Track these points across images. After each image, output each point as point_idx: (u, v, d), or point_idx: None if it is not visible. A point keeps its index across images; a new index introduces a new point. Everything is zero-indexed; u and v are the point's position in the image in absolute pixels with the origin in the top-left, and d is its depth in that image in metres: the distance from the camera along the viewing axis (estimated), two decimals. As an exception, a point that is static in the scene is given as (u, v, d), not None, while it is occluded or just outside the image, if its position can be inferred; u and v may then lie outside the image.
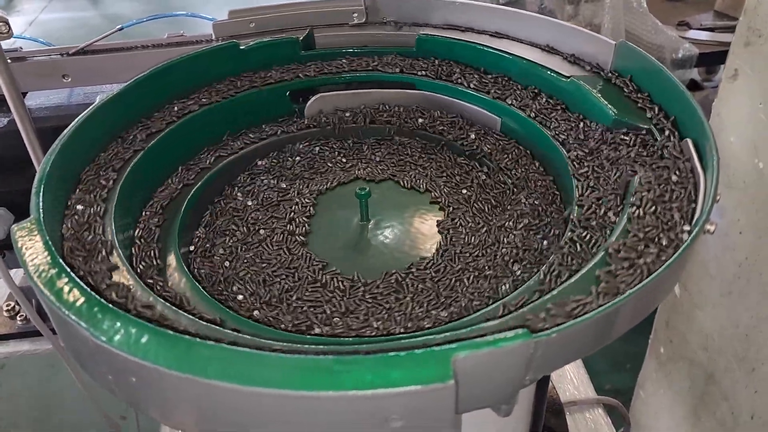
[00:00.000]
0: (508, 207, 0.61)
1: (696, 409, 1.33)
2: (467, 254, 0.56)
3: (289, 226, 0.61)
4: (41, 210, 0.48)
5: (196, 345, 0.37)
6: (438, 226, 0.61)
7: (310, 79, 0.73)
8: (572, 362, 0.40)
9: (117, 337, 0.38)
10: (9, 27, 0.67)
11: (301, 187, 0.66)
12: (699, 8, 1.98)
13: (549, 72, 0.67)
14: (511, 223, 0.59)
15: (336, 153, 0.70)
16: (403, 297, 0.53)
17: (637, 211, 0.48)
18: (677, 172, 0.51)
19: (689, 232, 0.45)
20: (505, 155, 0.66)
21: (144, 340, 0.37)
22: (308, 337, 0.48)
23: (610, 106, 0.60)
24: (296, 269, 0.56)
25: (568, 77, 0.65)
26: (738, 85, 1.04)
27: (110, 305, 0.40)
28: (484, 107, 0.70)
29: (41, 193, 0.50)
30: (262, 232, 0.60)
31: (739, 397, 1.19)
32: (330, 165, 0.69)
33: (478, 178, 0.65)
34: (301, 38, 0.76)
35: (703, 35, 1.82)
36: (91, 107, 0.60)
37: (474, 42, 0.73)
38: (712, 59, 1.79)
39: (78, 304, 0.40)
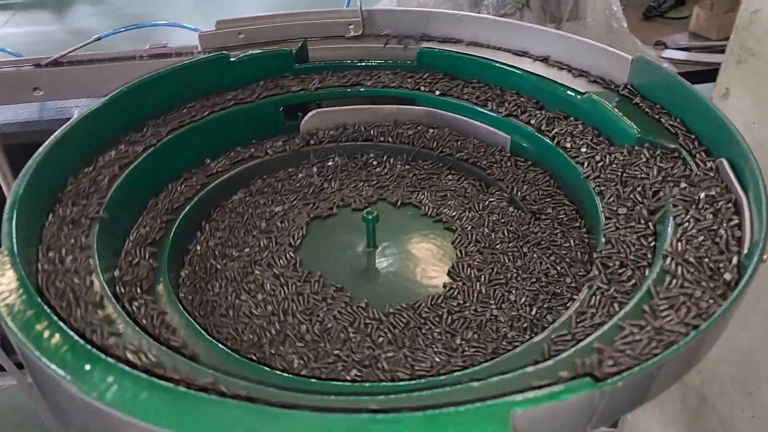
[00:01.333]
0: (526, 237, 0.56)
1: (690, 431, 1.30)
2: (485, 291, 0.52)
3: (279, 259, 0.55)
4: (14, 239, 0.42)
5: (209, 403, 0.31)
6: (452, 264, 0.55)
7: (307, 93, 0.68)
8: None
9: (110, 394, 0.32)
10: None
11: (297, 210, 0.61)
12: (675, 29, 2.00)
13: (562, 88, 0.63)
14: (529, 257, 0.54)
15: (334, 174, 0.65)
16: (428, 332, 0.48)
17: (678, 245, 0.44)
18: (714, 195, 0.48)
19: (739, 265, 0.41)
20: (522, 181, 0.62)
21: (143, 396, 0.31)
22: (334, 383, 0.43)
23: (632, 123, 0.57)
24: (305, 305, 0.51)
25: (584, 93, 0.62)
26: (730, 103, 1.02)
27: (101, 354, 0.34)
28: (493, 125, 0.66)
29: (14, 220, 0.43)
30: (257, 272, 0.54)
31: (736, 421, 1.16)
32: (326, 186, 0.64)
33: (490, 203, 0.61)
34: (294, 50, 0.71)
35: (680, 55, 1.84)
36: (68, 123, 0.54)
37: (478, 56, 0.69)
38: (689, 79, 1.80)
39: (61, 352, 0.34)
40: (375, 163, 0.66)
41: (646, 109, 0.59)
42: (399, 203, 0.62)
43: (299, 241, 0.57)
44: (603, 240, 0.49)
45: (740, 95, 1.02)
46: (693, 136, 0.54)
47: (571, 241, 0.55)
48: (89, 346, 0.34)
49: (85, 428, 0.34)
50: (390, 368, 0.44)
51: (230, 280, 0.53)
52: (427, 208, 0.61)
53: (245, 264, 0.55)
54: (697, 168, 0.51)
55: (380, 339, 0.47)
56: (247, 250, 0.56)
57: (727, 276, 0.40)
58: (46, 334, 0.35)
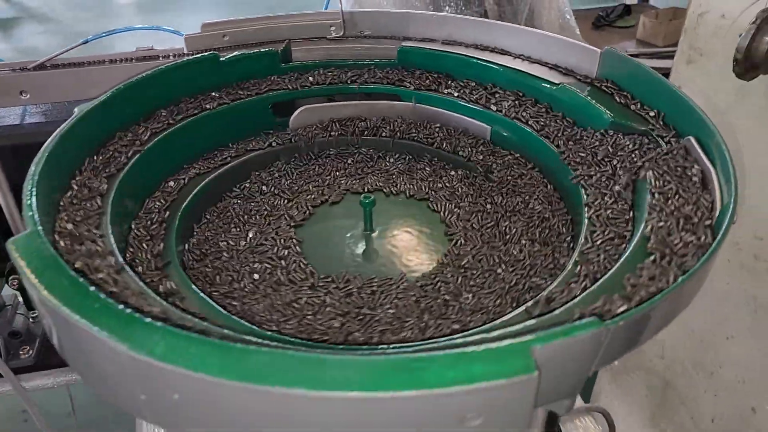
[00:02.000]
0: (512, 215, 0.60)
1: (654, 417, 1.36)
2: (482, 258, 0.55)
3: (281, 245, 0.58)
4: (37, 221, 0.44)
5: (254, 352, 0.34)
6: (447, 233, 0.59)
7: (297, 91, 0.71)
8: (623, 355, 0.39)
9: (160, 350, 0.34)
10: None
11: (295, 199, 0.63)
12: (623, 37, 2.11)
13: (538, 80, 0.68)
14: (516, 230, 0.58)
15: (326, 165, 0.68)
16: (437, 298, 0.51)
17: (659, 208, 0.49)
18: (685, 167, 0.52)
19: (712, 225, 0.46)
20: (502, 164, 0.66)
21: (193, 350, 0.34)
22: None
23: (605, 109, 0.61)
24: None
25: (558, 84, 0.66)
26: (683, 101, 1.09)
27: (145, 317, 0.36)
28: (473, 117, 0.70)
29: (34, 204, 0.45)
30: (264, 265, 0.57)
31: (700, 402, 1.23)
32: (322, 178, 0.66)
33: (475, 185, 0.65)
34: (280, 51, 0.74)
35: (628, 61, 1.93)
36: (68, 120, 0.55)
37: (457, 53, 0.73)
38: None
39: (107, 318, 0.36)
40: (365, 155, 0.69)
41: (616, 97, 0.64)
42: (390, 192, 0.65)
43: (301, 224, 0.60)
44: (587, 211, 0.53)
45: (691, 92, 1.09)
46: (661, 119, 0.59)
47: (551, 215, 0.59)
48: (131, 311, 0.36)
49: (127, 390, 0.36)
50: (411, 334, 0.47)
51: (236, 253, 0.56)
52: (416, 194, 0.64)
53: (250, 240, 0.57)
54: (666, 146, 0.56)
55: (390, 309, 0.50)
56: (251, 231, 0.59)
57: (705, 233, 0.45)
58: (89, 304, 0.37)
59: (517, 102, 0.68)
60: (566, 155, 0.60)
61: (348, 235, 0.60)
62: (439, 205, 0.62)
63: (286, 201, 0.63)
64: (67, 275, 0.39)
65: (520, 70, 0.70)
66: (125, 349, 0.34)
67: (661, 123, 0.59)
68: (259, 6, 4.62)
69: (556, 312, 0.40)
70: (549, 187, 0.62)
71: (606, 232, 0.50)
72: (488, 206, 0.61)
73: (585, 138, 0.61)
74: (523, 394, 0.33)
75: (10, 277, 0.76)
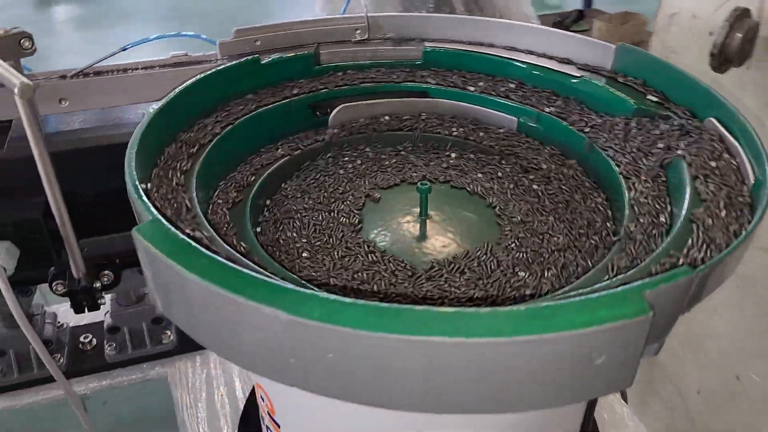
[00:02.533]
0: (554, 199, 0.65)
1: (641, 394, 1.44)
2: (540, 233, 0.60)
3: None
4: (153, 208, 0.47)
5: (407, 310, 0.38)
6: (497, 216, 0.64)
7: (334, 90, 0.75)
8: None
9: (317, 313, 0.37)
10: (32, 42, 0.62)
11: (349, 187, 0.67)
12: (581, 39, 2.21)
13: (560, 74, 0.74)
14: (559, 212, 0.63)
15: (374, 159, 0.72)
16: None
17: (699, 182, 0.55)
18: (714, 144, 0.59)
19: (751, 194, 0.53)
20: (537, 154, 0.71)
21: (350, 311, 0.37)
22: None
23: (627, 97, 0.68)
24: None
25: (580, 76, 0.73)
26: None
27: (292, 285, 0.39)
28: (501, 110, 0.75)
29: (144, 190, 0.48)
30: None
31: (686, 376, 1.31)
32: (370, 168, 0.70)
33: (516, 174, 0.70)
34: (312, 53, 0.78)
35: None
36: (145, 118, 0.58)
37: (480, 51, 0.79)
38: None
39: (257, 289, 0.39)
40: (409, 149, 0.74)
41: (634, 87, 0.70)
42: (437, 181, 0.70)
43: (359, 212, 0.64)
44: (627, 195, 0.58)
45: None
46: (680, 105, 0.66)
47: (591, 202, 0.64)
48: (284, 281, 0.40)
49: (280, 356, 0.40)
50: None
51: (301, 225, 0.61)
52: (462, 185, 0.69)
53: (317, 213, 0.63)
54: (690, 126, 0.62)
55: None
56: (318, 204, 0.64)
57: (747, 199, 0.52)
58: (239, 278, 0.40)
59: (540, 95, 0.74)
60: (598, 141, 0.66)
61: (403, 219, 0.64)
62: (486, 193, 0.67)
63: (342, 188, 0.67)
64: (203, 254, 0.42)
65: (542, 66, 0.76)
66: (284, 315, 0.38)
67: (682, 109, 0.65)
68: (210, 19, 4.62)
69: (633, 270, 0.46)
70: (587, 176, 0.67)
71: (649, 210, 0.56)
72: (533, 194, 0.66)
73: (614, 125, 0.67)
74: (640, 333, 0.38)
75: (54, 283, 0.77)
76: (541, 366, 0.38)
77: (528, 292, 0.53)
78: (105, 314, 0.96)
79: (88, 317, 1.02)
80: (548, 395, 0.40)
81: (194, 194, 0.56)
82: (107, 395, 0.93)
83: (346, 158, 0.72)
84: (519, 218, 0.63)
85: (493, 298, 0.53)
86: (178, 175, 0.57)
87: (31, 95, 0.54)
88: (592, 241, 0.59)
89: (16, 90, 0.53)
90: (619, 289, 0.39)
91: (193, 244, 0.43)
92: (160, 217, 0.46)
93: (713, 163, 0.57)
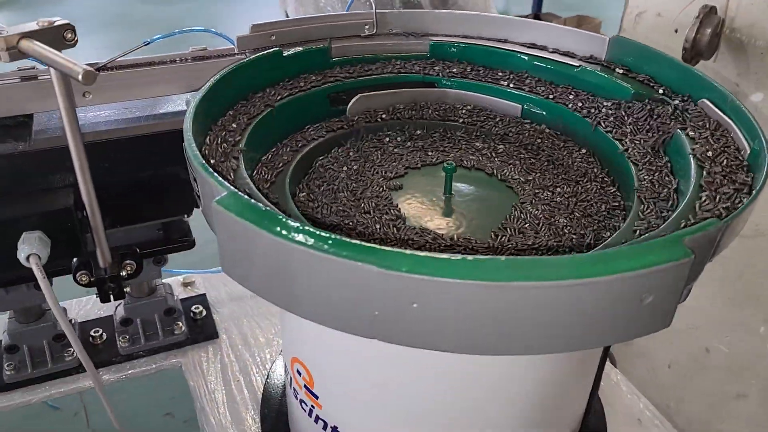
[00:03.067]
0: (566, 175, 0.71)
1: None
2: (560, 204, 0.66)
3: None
4: (232, 182, 0.50)
5: (488, 260, 0.42)
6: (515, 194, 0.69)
7: (353, 80, 0.80)
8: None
9: (407, 266, 0.42)
10: (75, 34, 0.64)
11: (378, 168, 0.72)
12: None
13: (560, 64, 0.80)
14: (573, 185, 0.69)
15: (397, 143, 0.77)
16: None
17: (699, 153, 0.61)
18: (707, 122, 0.66)
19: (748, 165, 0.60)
20: (540, 137, 0.77)
21: (435, 262, 0.42)
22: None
23: (626, 84, 0.74)
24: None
25: (578, 66, 0.79)
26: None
27: (380, 244, 0.44)
28: (507, 98, 0.81)
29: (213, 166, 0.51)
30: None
31: (656, 352, 1.40)
32: (395, 152, 0.75)
33: (533, 158, 0.75)
34: (327, 47, 0.82)
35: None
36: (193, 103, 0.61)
37: (485, 45, 0.85)
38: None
39: (343, 247, 0.43)
40: (421, 134, 0.79)
41: (630, 75, 0.77)
42: (459, 164, 0.74)
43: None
44: (635, 169, 0.65)
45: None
46: (673, 90, 0.73)
47: (601, 180, 0.70)
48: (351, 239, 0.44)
49: (367, 307, 0.44)
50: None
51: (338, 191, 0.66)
52: (481, 166, 0.74)
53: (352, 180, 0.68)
54: (686, 106, 0.69)
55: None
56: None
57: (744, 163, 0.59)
58: (331, 240, 0.44)
59: (545, 83, 0.80)
60: (600, 124, 0.73)
61: (431, 197, 0.69)
62: (501, 173, 0.72)
63: (367, 176, 0.71)
64: (282, 221, 0.46)
65: (542, 57, 0.82)
66: (375, 269, 0.42)
67: (675, 94, 0.72)
68: (156, 26, 4.56)
69: (665, 224, 0.52)
70: (594, 157, 0.73)
71: (656, 184, 0.62)
72: (547, 174, 0.72)
73: (614, 108, 0.74)
74: (683, 274, 0.44)
75: (79, 273, 0.78)
76: (601, 306, 0.43)
77: (573, 237, 0.59)
78: (116, 307, 0.97)
79: (95, 313, 1.03)
80: (604, 333, 0.45)
81: (242, 165, 0.59)
82: (122, 386, 0.94)
83: (367, 144, 0.77)
84: (529, 183, 0.69)
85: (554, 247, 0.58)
86: (228, 151, 0.61)
87: (94, 82, 0.56)
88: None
89: (80, 77, 0.55)
90: (662, 237, 0.45)
91: (268, 209, 0.46)
92: (236, 189, 0.49)
93: (711, 136, 0.64)
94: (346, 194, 0.66)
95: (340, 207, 0.64)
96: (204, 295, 1.07)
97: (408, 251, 0.43)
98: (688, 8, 1.17)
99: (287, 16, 2.20)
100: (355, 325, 0.46)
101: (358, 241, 0.44)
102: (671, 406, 1.41)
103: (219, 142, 0.62)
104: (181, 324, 0.98)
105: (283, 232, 0.45)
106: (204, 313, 1.02)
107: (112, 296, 0.80)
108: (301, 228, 0.45)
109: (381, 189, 0.68)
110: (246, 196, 0.49)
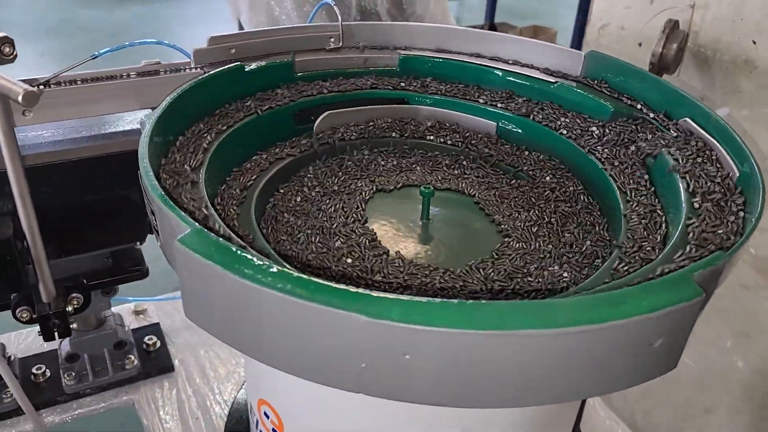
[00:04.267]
0: (547, 202, 0.67)
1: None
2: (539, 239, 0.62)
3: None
4: (195, 216, 0.44)
5: (485, 305, 0.38)
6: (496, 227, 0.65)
7: (322, 97, 0.75)
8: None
9: (396, 313, 0.37)
10: (13, 48, 0.57)
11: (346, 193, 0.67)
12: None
13: (536, 80, 0.77)
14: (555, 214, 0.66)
15: (361, 165, 0.72)
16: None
17: (688, 177, 0.59)
18: (690, 142, 0.64)
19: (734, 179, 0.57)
20: (516, 157, 0.74)
21: (427, 309, 0.37)
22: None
23: (605, 101, 0.72)
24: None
25: (555, 82, 0.76)
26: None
27: (366, 290, 0.39)
28: (480, 116, 0.78)
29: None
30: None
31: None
32: (366, 173, 0.70)
33: (507, 180, 0.72)
34: (291, 61, 0.77)
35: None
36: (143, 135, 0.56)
37: (456, 59, 0.81)
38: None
39: (326, 294, 0.38)
40: (396, 154, 0.74)
41: (607, 92, 0.74)
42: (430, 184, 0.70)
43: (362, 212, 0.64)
44: (620, 194, 0.62)
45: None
46: (653, 107, 0.71)
47: (580, 201, 0.67)
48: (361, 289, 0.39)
49: (352, 360, 0.39)
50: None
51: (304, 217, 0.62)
52: (457, 188, 0.70)
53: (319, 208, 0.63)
54: (666, 127, 0.67)
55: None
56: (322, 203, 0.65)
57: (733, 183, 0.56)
58: (308, 283, 0.39)
59: (519, 100, 0.77)
60: (581, 144, 0.70)
61: (407, 223, 0.64)
62: (477, 195, 0.69)
63: (338, 196, 0.66)
64: (255, 263, 0.41)
65: (517, 72, 0.79)
66: (363, 318, 0.37)
67: (655, 111, 0.70)
68: (98, 33, 4.39)
69: (656, 260, 0.49)
70: (575, 179, 0.70)
71: (643, 207, 0.59)
72: (515, 190, 0.68)
73: (593, 128, 0.71)
74: (694, 313, 0.41)
75: (19, 310, 0.71)
76: (609, 352, 0.39)
77: (565, 279, 0.55)
78: (61, 342, 0.90)
79: (37, 347, 0.94)
80: (610, 381, 0.41)
81: (205, 194, 0.54)
82: (69, 429, 0.86)
83: (334, 165, 0.72)
84: (510, 214, 0.65)
85: (537, 290, 0.54)
86: (188, 178, 0.55)
87: (36, 103, 0.50)
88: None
89: (20, 99, 0.49)
90: (671, 275, 0.42)
91: (249, 253, 0.41)
92: (199, 225, 0.44)
93: (697, 158, 0.61)
94: (318, 224, 0.61)
95: (312, 240, 0.59)
96: (157, 324, 1.00)
97: (400, 296, 0.39)
98: (652, 22, 1.16)
99: (240, 25, 2.13)
100: (339, 378, 0.41)
101: (342, 286, 0.39)
102: (638, 419, 1.40)
103: (177, 168, 0.56)
104: (132, 357, 0.91)
105: (258, 276, 0.39)
106: (158, 343, 0.95)
107: (56, 334, 0.73)
108: (278, 271, 0.40)
109: (357, 215, 0.63)
110: (212, 234, 0.43)
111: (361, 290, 0.39)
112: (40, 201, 0.67)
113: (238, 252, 0.42)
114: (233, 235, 0.49)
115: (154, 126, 0.56)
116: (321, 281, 0.39)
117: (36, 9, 4.93)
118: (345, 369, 0.40)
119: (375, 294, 0.39)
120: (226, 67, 0.71)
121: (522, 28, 2.58)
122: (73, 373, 0.88)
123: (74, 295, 0.74)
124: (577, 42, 3.01)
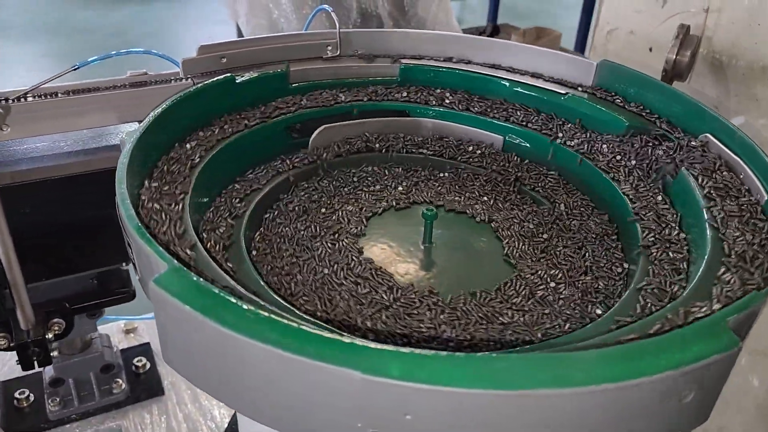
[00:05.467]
0: (558, 227, 0.63)
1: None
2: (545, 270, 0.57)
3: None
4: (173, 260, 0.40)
5: (495, 359, 0.34)
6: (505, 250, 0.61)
7: (320, 109, 0.71)
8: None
9: (396, 370, 0.33)
10: None
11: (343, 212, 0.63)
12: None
13: (545, 90, 0.73)
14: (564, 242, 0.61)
15: (357, 181, 0.68)
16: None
17: (712, 202, 0.54)
18: (713, 161, 0.59)
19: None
20: (526, 172, 0.69)
21: (431, 365, 0.33)
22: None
23: (619, 115, 0.67)
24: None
25: (565, 94, 0.72)
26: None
27: (346, 339, 0.35)
28: (487, 129, 0.73)
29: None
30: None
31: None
32: (364, 193, 0.66)
33: (515, 197, 0.67)
34: (285, 71, 0.72)
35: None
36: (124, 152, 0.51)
37: (459, 68, 0.77)
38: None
39: (327, 347, 0.34)
40: (397, 170, 0.70)
41: (620, 104, 0.70)
42: (433, 204, 0.66)
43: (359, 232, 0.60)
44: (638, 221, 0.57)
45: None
46: (671, 121, 0.66)
47: (593, 225, 0.62)
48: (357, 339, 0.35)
49: (347, 419, 0.35)
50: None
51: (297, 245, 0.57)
52: (461, 207, 0.65)
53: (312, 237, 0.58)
54: (687, 144, 0.62)
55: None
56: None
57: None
58: (305, 334, 0.35)
59: (528, 112, 0.72)
60: (594, 161, 0.65)
61: (408, 248, 0.60)
62: (487, 217, 0.64)
63: (336, 214, 0.62)
64: (239, 309, 0.36)
65: (526, 83, 0.74)
66: (359, 375, 0.33)
67: (673, 125, 0.66)
68: (97, 34, 4.35)
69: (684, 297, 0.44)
70: (585, 197, 0.66)
71: (665, 243, 0.54)
72: (524, 211, 0.64)
73: (606, 143, 0.66)
74: (729, 363, 0.36)
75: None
76: (634, 410, 0.35)
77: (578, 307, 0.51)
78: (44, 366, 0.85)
79: (21, 370, 0.90)
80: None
81: (190, 224, 0.49)
82: (53, 457, 0.82)
83: (331, 181, 0.67)
84: (520, 240, 0.60)
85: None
86: (171, 208, 0.51)
87: (1, 123, 0.46)
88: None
89: (-19, 119, 0.45)
90: (703, 320, 0.37)
91: (234, 299, 0.37)
92: (179, 265, 0.39)
93: (719, 179, 0.57)
94: (313, 256, 0.56)
95: (306, 274, 0.54)
96: (148, 344, 0.96)
97: (400, 349, 0.34)
98: (663, 26, 1.12)
99: (238, 28, 2.09)
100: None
101: (335, 336, 0.35)
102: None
103: (159, 195, 0.52)
104: (120, 381, 0.87)
105: (241, 323, 0.35)
106: (147, 365, 0.91)
107: (36, 362, 0.69)
108: (264, 318, 0.35)
109: (354, 243, 0.59)
110: (193, 274, 0.39)
111: (356, 341, 0.35)
112: (18, 222, 0.63)
113: (221, 294, 0.37)
114: (218, 268, 0.45)
115: (136, 145, 0.52)
116: (311, 330, 0.35)
117: (32, 9, 4.88)
118: (339, 429, 0.36)
119: (372, 346, 0.34)
120: (216, 78, 0.66)
121: (525, 30, 2.54)
122: (58, 399, 0.84)
123: (55, 320, 0.70)
124: (581, 45, 2.96)
